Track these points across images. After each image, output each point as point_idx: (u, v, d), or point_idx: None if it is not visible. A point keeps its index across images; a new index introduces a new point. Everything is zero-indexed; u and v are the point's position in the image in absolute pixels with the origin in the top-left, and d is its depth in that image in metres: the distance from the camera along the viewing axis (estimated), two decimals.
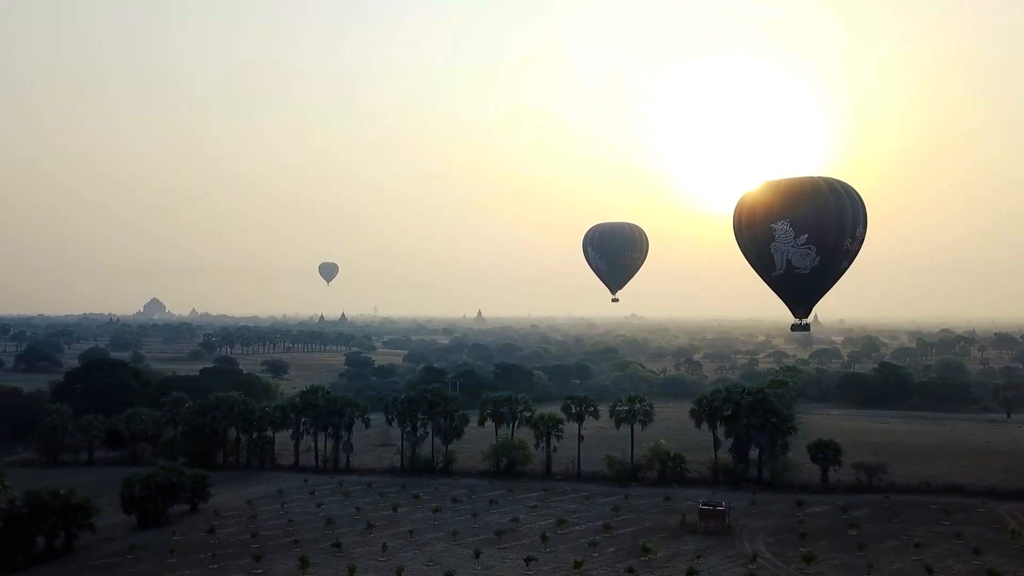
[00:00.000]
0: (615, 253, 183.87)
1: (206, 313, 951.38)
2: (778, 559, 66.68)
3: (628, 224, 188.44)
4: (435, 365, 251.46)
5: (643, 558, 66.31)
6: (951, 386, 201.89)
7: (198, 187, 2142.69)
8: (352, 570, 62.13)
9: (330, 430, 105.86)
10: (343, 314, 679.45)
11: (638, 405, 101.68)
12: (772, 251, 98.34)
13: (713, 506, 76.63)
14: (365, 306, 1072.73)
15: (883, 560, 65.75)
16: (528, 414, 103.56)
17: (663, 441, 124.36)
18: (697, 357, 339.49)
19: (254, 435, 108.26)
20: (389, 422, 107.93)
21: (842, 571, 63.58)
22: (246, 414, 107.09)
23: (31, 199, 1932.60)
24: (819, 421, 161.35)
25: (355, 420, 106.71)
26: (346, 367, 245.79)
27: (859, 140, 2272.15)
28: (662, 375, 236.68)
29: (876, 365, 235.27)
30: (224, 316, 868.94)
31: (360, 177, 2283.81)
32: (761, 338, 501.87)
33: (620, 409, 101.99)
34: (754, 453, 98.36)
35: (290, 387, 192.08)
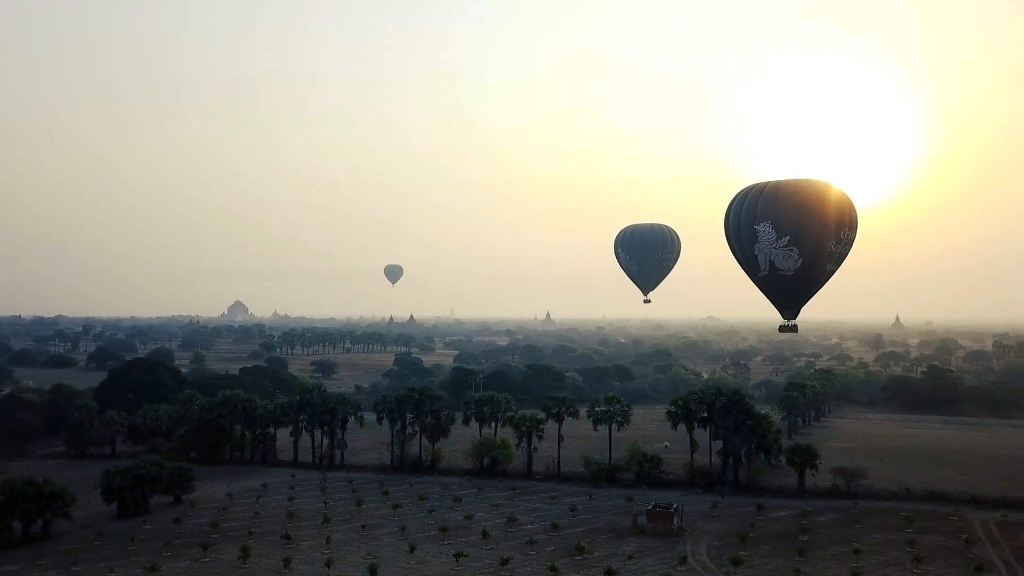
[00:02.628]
0: (645, 254, 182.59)
1: (285, 315, 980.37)
2: (712, 562, 66.40)
3: (659, 225, 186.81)
4: (481, 365, 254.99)
5: (577, 557, 67.02)
6: (1004, 391, 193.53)
7: (291, 195, 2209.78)
8: (287, 561, 65.10)
9: (326, 428, 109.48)
10: (411, 315, 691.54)
11: (616, 406, 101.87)
12: (756, 252, 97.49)
13: (662, 508, 76.51)
14: (442, 308, 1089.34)
15: (819, 566, 64.85)
16: (510, 414, 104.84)
17: (668, 443, 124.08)
18: (758, 359, 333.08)
19: (256, 431, 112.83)
20: (379, 421, 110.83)
21: None
22: (249, 411, 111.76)
23: (130, 210, 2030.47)
24: (846, 425, 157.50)
25: (349, 418, 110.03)
26: (392, 367, 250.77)
27: (950, 129, 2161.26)
28: (705, 377, 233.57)
29: (925, 368, 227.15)
30: (302, 318, 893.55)
31: (441, 183, 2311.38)
32: (834, 340, 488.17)
33: (598, 410, 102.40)
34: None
35: (335, 386, 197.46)
